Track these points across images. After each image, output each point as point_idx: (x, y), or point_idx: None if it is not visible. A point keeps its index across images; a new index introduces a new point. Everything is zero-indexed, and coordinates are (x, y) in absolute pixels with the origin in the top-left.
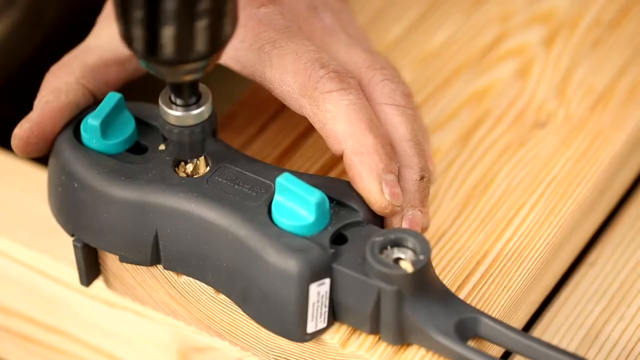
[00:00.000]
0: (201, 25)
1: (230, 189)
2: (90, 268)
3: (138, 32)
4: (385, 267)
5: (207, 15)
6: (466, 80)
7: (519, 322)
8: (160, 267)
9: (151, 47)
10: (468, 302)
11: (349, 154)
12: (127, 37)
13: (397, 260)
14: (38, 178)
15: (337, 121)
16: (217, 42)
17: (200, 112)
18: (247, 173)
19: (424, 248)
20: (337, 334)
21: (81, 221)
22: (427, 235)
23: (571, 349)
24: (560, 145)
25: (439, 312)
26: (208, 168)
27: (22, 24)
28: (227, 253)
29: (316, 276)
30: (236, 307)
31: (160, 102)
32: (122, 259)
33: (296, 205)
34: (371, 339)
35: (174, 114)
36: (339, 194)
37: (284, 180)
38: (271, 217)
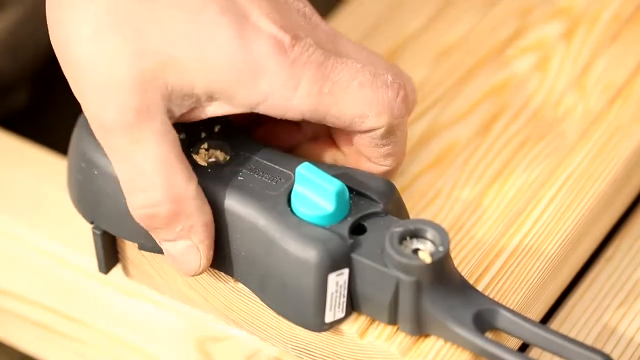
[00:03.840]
0: None
1: (250, 178)
2: (109, 255)
3: None
4: (404, 258)
5: None
6: (485, 74)
7: (535, 316)
8: None
9: None
10: (484, 291)
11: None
12: None
13: (416, 251)
14: (57, 166)
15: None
16: None
17: None
18: (267, 162)
19: (443, 239)
20: (355, 324)
21: (100, 208)
22: (445, 227)
23: (588, 343)
24: (579, 140)
25: (457, 304)
26: (228, 157)
27: (38, 10)
28: (246, 242)
29: (335, 266)
30: (255, 296)
31: None
32: (141, 247)
33: (316, 195)
34: (389, 329)
35: None
36: (358, 184)
37: (303, 170)
38: (291, 207)
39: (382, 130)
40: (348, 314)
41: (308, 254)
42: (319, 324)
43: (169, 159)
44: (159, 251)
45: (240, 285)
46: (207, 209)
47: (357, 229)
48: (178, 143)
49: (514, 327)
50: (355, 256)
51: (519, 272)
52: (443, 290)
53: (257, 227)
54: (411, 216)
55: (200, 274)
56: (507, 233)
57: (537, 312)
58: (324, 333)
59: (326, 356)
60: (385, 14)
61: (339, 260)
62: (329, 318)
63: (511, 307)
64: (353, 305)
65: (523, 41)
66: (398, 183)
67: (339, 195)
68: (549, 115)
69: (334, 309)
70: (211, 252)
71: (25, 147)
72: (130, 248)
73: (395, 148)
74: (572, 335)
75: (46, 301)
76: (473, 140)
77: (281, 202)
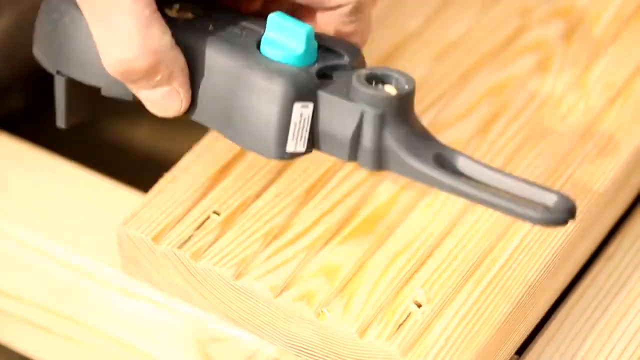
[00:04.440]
0: None
1: (220, 30)
2: (71, 107)
3: None
4: (371, 89)
5: None
6: (486, 74)
7: (537, 313)
8: (177, 252)
9: None
10: (485, 290)
11: None
12: None
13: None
14: (55, 167)
15: None
16: None
17: None
18: (237, 20)
19: (409, 80)
20: (355, 324)
21: (68, 55)
22: (447, 224)
23: (588, 342)
24: (580, 139)
25: (419, 144)
26: (197, 15)
27: (33, 13)
28: (213, 82)
29: (301, 97)
30: (254, 295)
31: None
32: (105, 92)
33: (286, 38)
34: (390, 329)
35: None
36: (327, 41)
37: (276, 16)
38: (260, 52)
39: (350, 7)
40: (308, 150)
41: (275, 82)
42: (280, 152)
43: (145, 14)
44: (122, 96)
45: (239, 284)
46: (182, 57)
47: (324, 77)
48: (153, 2)
49: (472, 170)
50: (321, 92)
51: (520, 271)
52: (406, 129)
53: (225, 67)
54: (410, 217)
55: (181, 114)
56: (507, 234)
57: (537, 308)
58: (322, 333)
59: (326, 356)
60: (385, 12)
61: (305, 91)
62: (290, 147)
63: (510, 305)
64: (314, 144)
65: (523, 40)
66: (398, 183)
67: (309, 37)
68: (549, 115)
69: (296, 140)
70: (189, 93)
71: (24, 148)
72: (129, 245)
73: (361, 26)
74: (573, 333)
75: (45, 302)
76: (473, 139)
77: (251, 45)
